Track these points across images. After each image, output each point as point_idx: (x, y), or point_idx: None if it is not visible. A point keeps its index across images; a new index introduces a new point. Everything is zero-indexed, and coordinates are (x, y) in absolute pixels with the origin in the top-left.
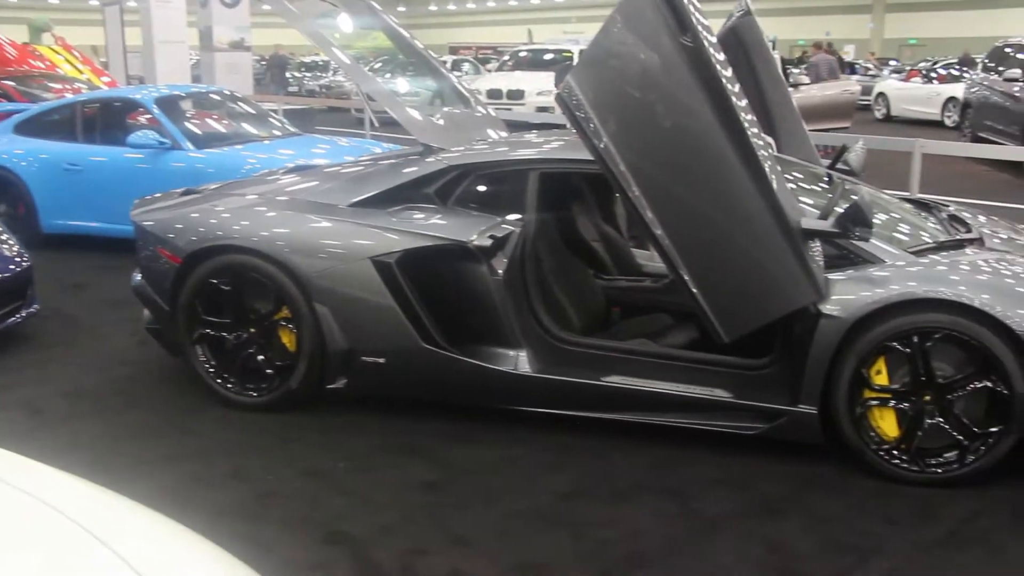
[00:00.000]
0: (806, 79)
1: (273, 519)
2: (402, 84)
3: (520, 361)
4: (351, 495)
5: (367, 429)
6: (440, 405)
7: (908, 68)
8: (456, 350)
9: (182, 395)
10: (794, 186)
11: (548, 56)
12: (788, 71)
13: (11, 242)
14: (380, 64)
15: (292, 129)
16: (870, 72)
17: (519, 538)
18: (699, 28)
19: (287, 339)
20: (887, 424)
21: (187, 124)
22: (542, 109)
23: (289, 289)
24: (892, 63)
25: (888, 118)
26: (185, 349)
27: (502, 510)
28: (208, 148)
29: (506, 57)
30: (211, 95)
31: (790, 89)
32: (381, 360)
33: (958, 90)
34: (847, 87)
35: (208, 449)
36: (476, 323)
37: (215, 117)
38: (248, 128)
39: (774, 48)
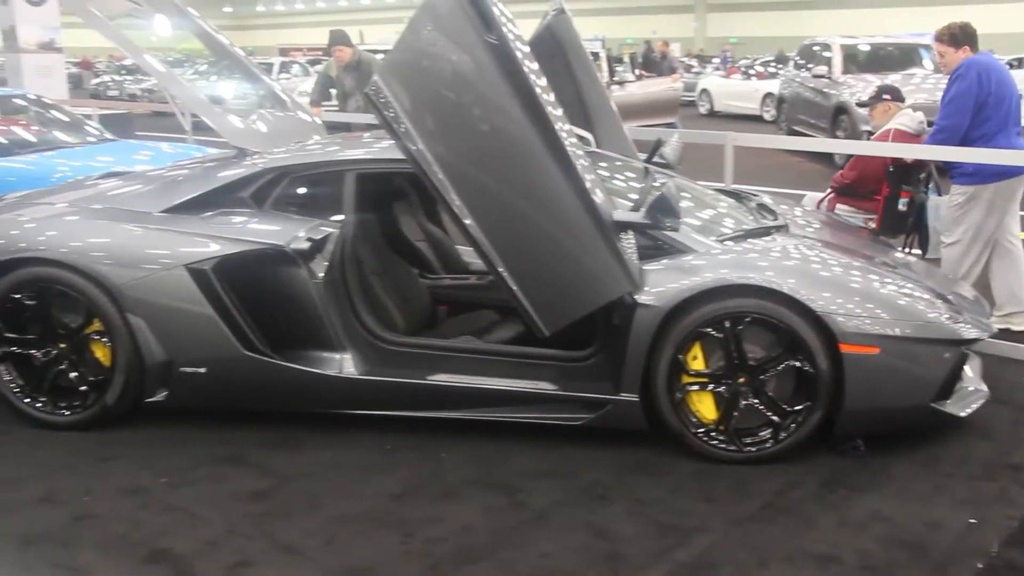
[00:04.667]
0: (631, 76)
1: (89, 542)
2: (218, 89)
3: (345, 364)
4: (174, 511)
5: (189, 442)
6: (264, 413)
7: (729, 65)
8: (279, 356)
9: None
10: (620, 181)
11: (380, 57)
12: (614, 69)
13: None
14: (206, 67)
15: (108, 135)
16: (694, 69)
17: (347, 542)
18: (504, 25)
19: (101, 353)
20: (705, 407)
21: None
22: None
23: (100, 301)
24: (716, 60)
25: (712, 113)
26: None
27: (329, 515)
28: (12, 156)
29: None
30: (14, 99)
31: (615, 87)
32: (202, 370)
33: (774, 86)
34: (671, 84)
35: (16, 474)
36: (298, 328)
37: (22, 123)
38: (59, 134)
39: (603, 47)
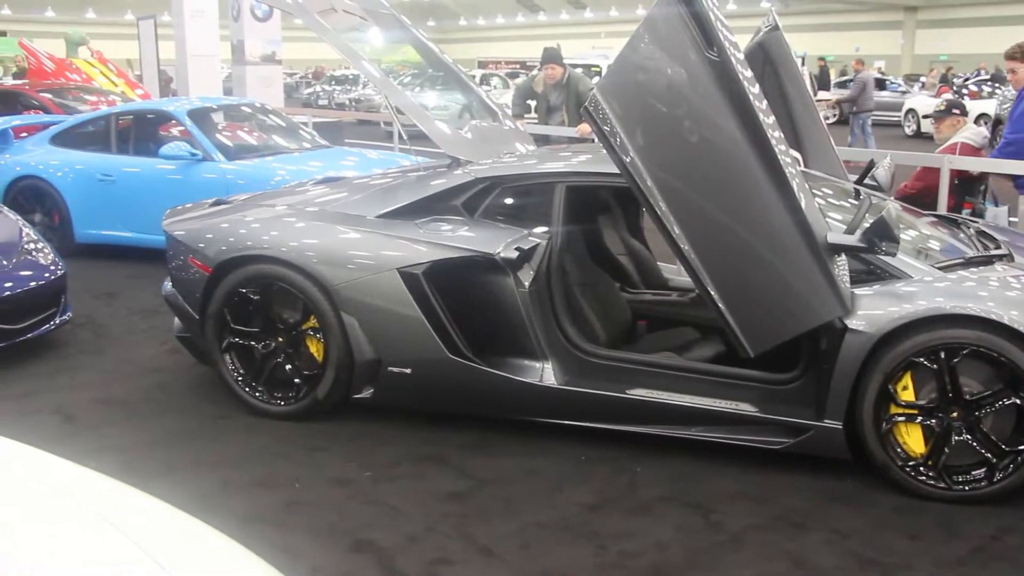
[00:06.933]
0: (829, 95)
1: (300, 527)
2: (431, 97)
3: (545, 373)
4: (377, 504)
5: (392, 439)
6: (463, 416)
7: (939, 84)
8: (482, 361)
9: (211, 403)
10: (821, 201)
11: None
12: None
13: (46, 250)
14: (410, 78)
15: (322, 141)
16: (900, 88)
17: (542, 549)
18: (726, 42)
19: (315, 349)
20: (913, 440)
21: (218, 136)
22: None
23: (317, 299)
24: (922, 79)
25: (918, 134)
26: (214, 358)
27: (525, 520)
28: (238, 160)
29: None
30: (243, 107)
31: None
32: (407, 371)
33: (989, 106)
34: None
35: (237, 457)
36: (502, 335)
37: (246, 129)
38: (278, 140)
39: (803, 64)
